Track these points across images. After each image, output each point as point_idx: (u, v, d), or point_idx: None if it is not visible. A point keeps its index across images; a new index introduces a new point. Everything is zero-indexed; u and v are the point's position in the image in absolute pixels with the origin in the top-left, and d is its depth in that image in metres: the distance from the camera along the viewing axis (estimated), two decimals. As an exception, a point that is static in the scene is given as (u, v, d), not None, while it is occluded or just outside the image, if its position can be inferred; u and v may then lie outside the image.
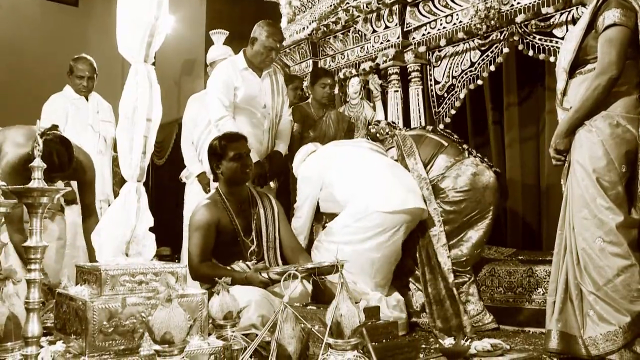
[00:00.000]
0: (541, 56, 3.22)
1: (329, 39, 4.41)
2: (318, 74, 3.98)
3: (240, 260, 2.56)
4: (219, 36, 4.14)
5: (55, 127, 2.73)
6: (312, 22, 4.36)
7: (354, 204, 2.92)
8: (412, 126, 3.82)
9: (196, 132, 3.91)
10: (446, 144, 3.17)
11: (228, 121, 3.25)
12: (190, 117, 4.00)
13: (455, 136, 3.30)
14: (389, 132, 3.34)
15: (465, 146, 3.20)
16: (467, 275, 3.00)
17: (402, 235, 2.92)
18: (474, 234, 2.99)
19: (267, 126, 3.43)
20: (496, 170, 3.11)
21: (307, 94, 4.59)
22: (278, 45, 3.39)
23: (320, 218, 3.29)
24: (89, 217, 3.04)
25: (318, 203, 3.16)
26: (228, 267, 2.51)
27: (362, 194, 2.92)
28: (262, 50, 3.32)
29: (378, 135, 3.42)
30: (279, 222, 2.76)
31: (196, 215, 2.62)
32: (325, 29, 4.28)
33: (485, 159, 3.15)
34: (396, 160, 3.23)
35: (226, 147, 2.68)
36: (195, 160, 3.88)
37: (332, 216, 3.10)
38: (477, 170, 3.02)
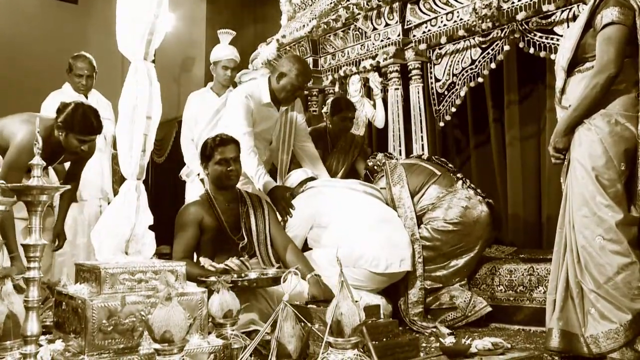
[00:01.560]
0: (542, 54, 3.21)
1: (329, 36, 4.41)
2: (340, 107, 3.91)
3: (235, 257, 2.57)
4: (226, 36, 4.13)
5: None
6: (312, 19, 4.35)
7: (345, 252, 2.86)
8: (411, 151, 3.81)
9: (197, 130, 3.91)
10: (439, 173, 3.17)
11: (253, 158, 3.14)
12: (190, 114, 4.00)
13: (450, 165, 3.32)
14: (384, 162, 3.34)
15: (459, 175, 3.21)
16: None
17: (383, 288, 3.00)
18: (456, 264, 3.04)
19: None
20: (489, 202, 3.10)
21: (311, 93, 4.58)
22: (306, 85, 3.37)
23: None
24: (73, 181, 3.17)
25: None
26: (210, 265, 2.51)
27: (352, 247, 2.90)
28: (289, 87, 3.26)
29: (375, 167, 3.43)
30: (269, 220, 2.79)
31: (181, 213, 2.70)
32: (325, 26, 4.27)
33: (479, 190, 3.14)
34: (383, 189, 3.25)
35: (213, 150, 2.73)
36: (196, 158, 3.87)
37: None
38: (469, 203, 3.03)
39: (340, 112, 3.89)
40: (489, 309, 2.90)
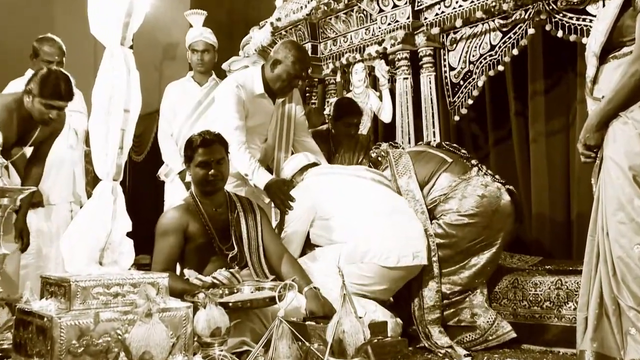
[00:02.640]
0: (572, 37, 3.21)
1: (330, 19, 4.41)
2: (344, 110, 3.93)
3: (224, 269, 2.57)
4: (196, 17, 4.16)
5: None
6: (311, 0, 4.35)
7: (350, 246, 2.92)
8: (423, 131, 3.80)
9: (176, 124, 3.92)
10: (450, 160, 3.16)
11: (245, 152, 3.17)
12: (168, 106, 4.01)
13: (463, 151, 3.30)
14: (388, 151, 3.34)
15: (473, 162, 3.19)
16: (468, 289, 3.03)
17: (397, 288, 2.98)
18: (477, 262, 3.01)
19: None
20: (510, 189, 3.09)
21: (310, 83, 4.58)
22: (304, 74, 3.35)
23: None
24: (38, 164, 3.28)
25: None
26: (196, 278, 2.50)
27: (361, 240, 2.90)
28: (285, 76, 3.27)
29: (380, 158, 3.44)
30: (262, 227, 2.79)
31: (162, 219, 2.70)
32: (325, 8, 4.27)
33: (497, 176, 3.13)
34: (390, 181, 3.25)
35: (194, 151, 2.73)
36: (175, 155, 3.88)
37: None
38: (486, 191, 3.01)
39: (344, 117, 3.90)
40: (514, 334, 2.88)
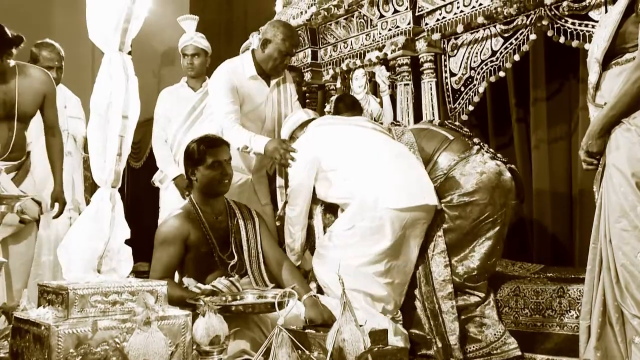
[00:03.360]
0: (574, 43, 3.22)
1: (330, 25, 4.42)
2: (344, 107, 3.89)
3: (223, 277, 2.57)
4: (189, 22, 4.16)
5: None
6: (311, 5, 4.36)
7: (358, 199, 2.90)
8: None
9: (171, 130, 3.93)
10: (452, 138, 3.12)
11: (236, 129, 3.21)
12: (162, 112, 4.02)
13: (465, 129, 3.27)
14: (389, 129, 3.32)
15: (475, 140, 3.16)
16: (480, 294, 2.99)
17: (414, 242, 2.92)
18: (485, 242, 2.96)
19: None
20: (511, 168, 3.08)
21: (310, 89, 4.59)
22: (294, 50, 3.40)
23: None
24: (50, 133, 3.30)
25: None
26: (195, 287, 2.51)
27: (369, 186, 2.89)
28: (277, 55, 3.32)
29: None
30: (260, 235, 2.80)
31: (162, 227, 2.68)
32: (325, 13, 4.28)
33: (499, 155, 3.12)
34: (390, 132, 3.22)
35: (205, 153, 2.73)
36: (170, 161, 3.89)
37: (332, 209, 3.11)
38: (484, 168, 2.97)
39: (343, 113, 3.90)
40: (518, 352, 2.86)
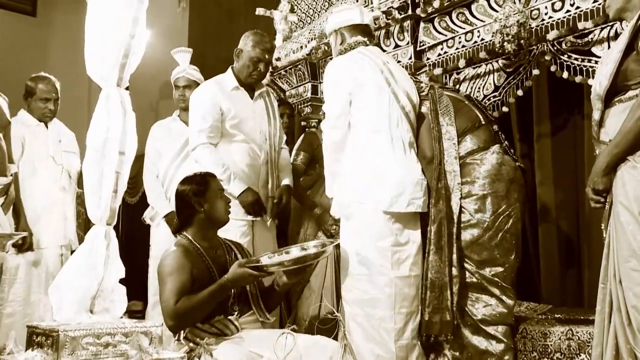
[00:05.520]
0: (578, 79, 3.25)
1: (331, 58, 4.47)
2: None
3: (222, 316, 2.56)
4: (182, 55, 4.22)
5: None
6: (312, 39, 4.43)
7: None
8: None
9: (162, 165, 3.94)
10: (483, 122, 3.14)
11: (203, 150, 3.29)
12: (153, 147, 4.03)
13: (490, 114, 3.30)
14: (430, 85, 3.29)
15: (495, 127, 3.18)
16: (503, 341, 2.93)
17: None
18: (505, 236, 2.95)
19: (265, 158, 3.45)
20: (520, 166, 3.11)
21: (309, 124, 4.63)
22: (267, 56, 3.46)
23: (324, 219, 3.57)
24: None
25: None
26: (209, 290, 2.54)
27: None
28: (248, 62, 3.41)
29: (416, 83, 3.35)
30: None
31: (166, 260, 2.65)
32: (326, 47, 4.34)
33: (511, 150, 3.14)
34: (427, 114, 3.18)
35: (207, 182, 2.79)
36: (161, 198, 3.89)
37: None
38: (504, 160, 3.01)
39: None
40: None
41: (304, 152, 3.93)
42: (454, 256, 2.92)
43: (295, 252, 2.62)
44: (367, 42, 3.18)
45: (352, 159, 3.00)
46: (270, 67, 4.44)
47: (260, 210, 3.34)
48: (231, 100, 3.39)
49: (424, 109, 3.19)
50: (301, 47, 4.49)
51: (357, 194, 2.93)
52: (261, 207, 3.35)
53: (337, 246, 2.87)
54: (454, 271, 2.90)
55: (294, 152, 3.98)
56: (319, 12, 4.75)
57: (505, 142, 3.16)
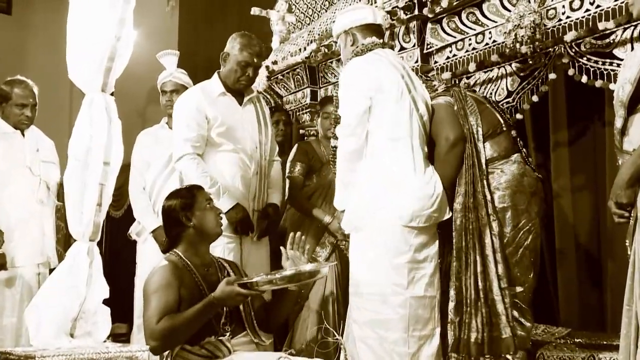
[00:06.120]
0: (598, 83, 3.25)
1: (331, 62, 4.48)
2: (321, 102, 4.10)
3: (213, 337, 2.55)
4: (168, 58, 4.23)
5: None
6: (311, 42, 4.44)
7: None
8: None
9: (150, 176, 3.92)
10: (505, 128, 3.14)
11: (188, 161, 3.28)
12: (140, 157, 4.01)
13: (508, 118, 3.32)
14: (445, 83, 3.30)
15: (513, 133, 3.19)
16: None
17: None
18: (525, 251, 2.96)
19: (255, 169, 3.45)
20: (540, 177, 3.12)
21: (308, 132, 4.64)
22: (255, 60, 3.46)
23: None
24: None
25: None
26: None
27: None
28: (236, 66, 3.41)
29: (428, 82, 3.38)
30: None
31: (154, 277, 2.63)
32: (326, 50, 4.35)
33: (529, 159, 3.15)
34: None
35: (195, 195, 2.78)
36: (149, 211, 3.87)
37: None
38: (525, 171, 3.02)
39: (322, 107, 4.02)
40: None
41: (300, 163, 3.93)
42: (500, 266, 2.89)
43: (288, 272, 2.60)
44: (384, 44, 3.17)
45: (369, 167, 2.98)
46: (267, 72, 4.46)
47: (247, 228, 3.34)
48: (217, 107, 3.39)
49: (440, 100, 3.18)
50: (300, 50, 4.50)
51: (373, 204, 2.91)
52: (249, 225, 3.35)
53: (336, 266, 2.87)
54: (502, 284, 2.88)
55: (288, 163, 3.98)
56: (319, 12, 4.77)
57: (524, 149, 3.16)
